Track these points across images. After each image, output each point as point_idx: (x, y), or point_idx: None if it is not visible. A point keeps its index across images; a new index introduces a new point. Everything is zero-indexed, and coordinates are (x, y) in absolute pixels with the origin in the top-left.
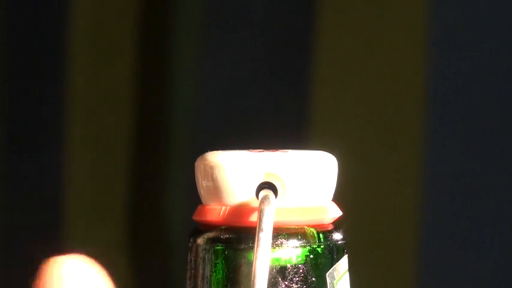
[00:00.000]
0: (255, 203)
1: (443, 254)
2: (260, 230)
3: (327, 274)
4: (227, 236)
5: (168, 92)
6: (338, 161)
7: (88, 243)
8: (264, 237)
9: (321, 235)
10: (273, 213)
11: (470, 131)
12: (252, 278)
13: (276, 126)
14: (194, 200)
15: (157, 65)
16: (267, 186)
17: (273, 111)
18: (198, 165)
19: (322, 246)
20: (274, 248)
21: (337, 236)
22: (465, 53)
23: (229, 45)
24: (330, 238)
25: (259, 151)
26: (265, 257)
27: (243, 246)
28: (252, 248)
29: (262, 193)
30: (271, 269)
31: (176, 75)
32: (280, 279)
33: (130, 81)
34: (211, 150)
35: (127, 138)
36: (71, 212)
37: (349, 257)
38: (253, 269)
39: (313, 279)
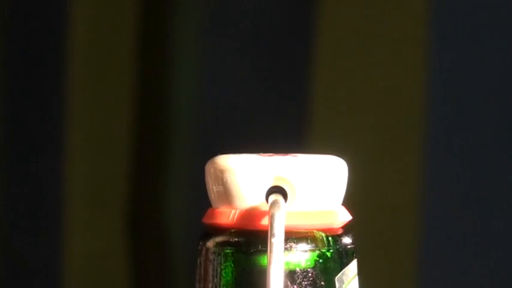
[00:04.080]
0: (265, 206)
1: (447, 256)
2: (272, 235)
3: (336, 278)
4: (237, 239)
5: (169, 94)
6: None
7: (88, 244)
8: (276, 242)
9: (331, 239)
10: (284, 218)
11: (473, 132)
12: (267, 284)
13: (276, 128)
14: (194, 201)
15: (157, 66)
16: (276, 190)
17: (273, 114)
18: (208, 168)
19: (331, 251)
20: (284, 251)
21: (347, 240)
22: (466, 54)
23: (229, 47)
24: (339, 242)
25: (269, 155)
26: (279, 262)
27: (252, 250)
28: (262, 251)
29: (272, 197)
30: None
31: (176, 77)
32: (289, 283)
33: (131, 82)
34: (221, 153)
35: (127, 139)
36: (70, 212)
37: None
38: (267, 274)
39: (322, 283)
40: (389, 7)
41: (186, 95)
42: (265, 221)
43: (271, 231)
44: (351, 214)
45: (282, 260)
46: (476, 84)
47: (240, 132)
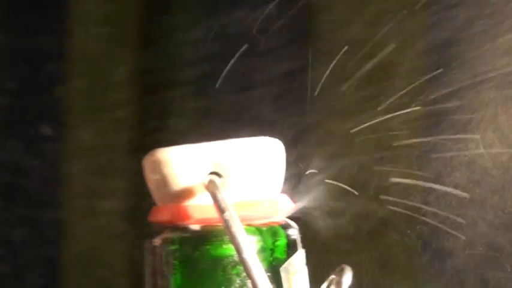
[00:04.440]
0: (208, 199)
1: (448, 256)
2: (221, 211)
3: (281, 268)
4: (182, 235)
5: (168, 90)
6: (336, 158)
7: (88, 244)
8: (229, 216)
9: (274, 231)
10: (226, 193)
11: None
12: (240, 255)
13: (276, 131)
14: None
15: (156, 63)
16: (212, 174)
17: (273, 115)
18: (146, 164)
19: (275, 242)
20: (227, 244)
21: (291, 232)
22: (466, 54)
23: (229, 46)
24: (282, 233)
25: (207, 143)
26: (241, 231)
27: (198, 243)
28: (209, 243)
29: (207, 178)
30: (225, 267)
31: (176, 74)
32: (234, 275)
33: (131, 79)
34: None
35: (128, 138)
36: (71, 212)
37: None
38: (236, 249)
39: (268, 274)
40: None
41: (187, 91)
42: (208, 214)
43: (219, 209)
44: (350, 212)
45: (242, 228)
46: (476, 85)
47: (239, 132)
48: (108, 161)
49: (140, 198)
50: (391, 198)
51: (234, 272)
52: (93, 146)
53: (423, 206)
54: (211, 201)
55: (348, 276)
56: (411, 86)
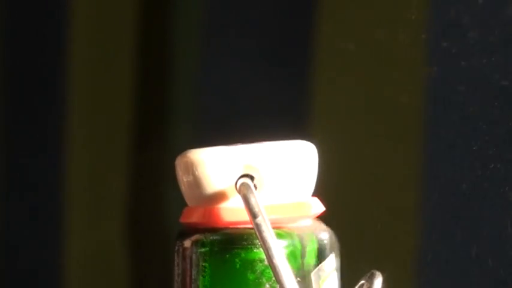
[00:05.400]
0: (238, 200)
1: (448, 257)
2: (253, 216)
3: (312, 274)
4: (213, 237)
5: (169, 90)
6: (337, 156)
7: (88, 244)
8: (261, 221)
9: (304, 235)
10: (259, 198)
11: (472, 128)
12: (271, 262)
13: (276, 131)
14: None
15: (156, 64)
16: (244, 177)
17: (273, 115)
18: (178, 164)
19: (306, 247)
20: (258, 248)
21: (322, 236)
22: (466, 51)
23: (229, 46)
24: (313, 238)
25: (237, 145)
26: (272, 237)
27: (229, 247)
28: (239, 247)
29: (240, 181)
30: (255, 270)
31: (176, 74)
32: (264, 280)
33: (131, 80)
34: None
35: (128, 138)
36: (70, 212)
37: (345, 258)
38: (267, 255)
39: (298, 279)
40: (390, 5)
41: (186, 94)
42: (239, 217)
43: (251, 213)
44: (351, 212)
45: (274, 233)
46: (476, 83)
47: (239, 132)
48: (109, 163)
49: (142, 200)
50: None
51: (264, 275)
52: (94, 147)
53: None
54: (243, 204)
55: (378, 282)
56: None
